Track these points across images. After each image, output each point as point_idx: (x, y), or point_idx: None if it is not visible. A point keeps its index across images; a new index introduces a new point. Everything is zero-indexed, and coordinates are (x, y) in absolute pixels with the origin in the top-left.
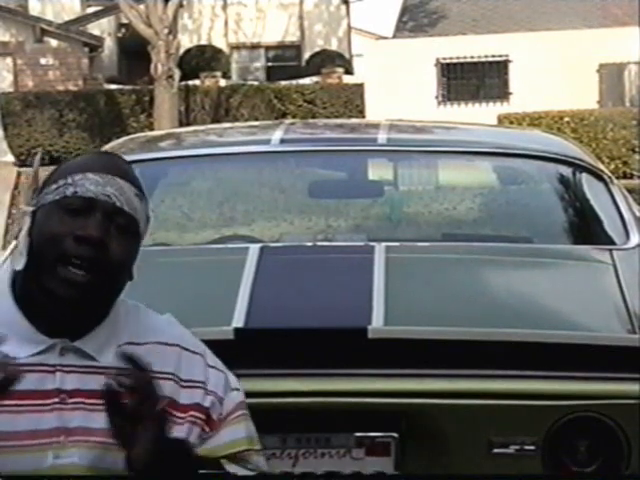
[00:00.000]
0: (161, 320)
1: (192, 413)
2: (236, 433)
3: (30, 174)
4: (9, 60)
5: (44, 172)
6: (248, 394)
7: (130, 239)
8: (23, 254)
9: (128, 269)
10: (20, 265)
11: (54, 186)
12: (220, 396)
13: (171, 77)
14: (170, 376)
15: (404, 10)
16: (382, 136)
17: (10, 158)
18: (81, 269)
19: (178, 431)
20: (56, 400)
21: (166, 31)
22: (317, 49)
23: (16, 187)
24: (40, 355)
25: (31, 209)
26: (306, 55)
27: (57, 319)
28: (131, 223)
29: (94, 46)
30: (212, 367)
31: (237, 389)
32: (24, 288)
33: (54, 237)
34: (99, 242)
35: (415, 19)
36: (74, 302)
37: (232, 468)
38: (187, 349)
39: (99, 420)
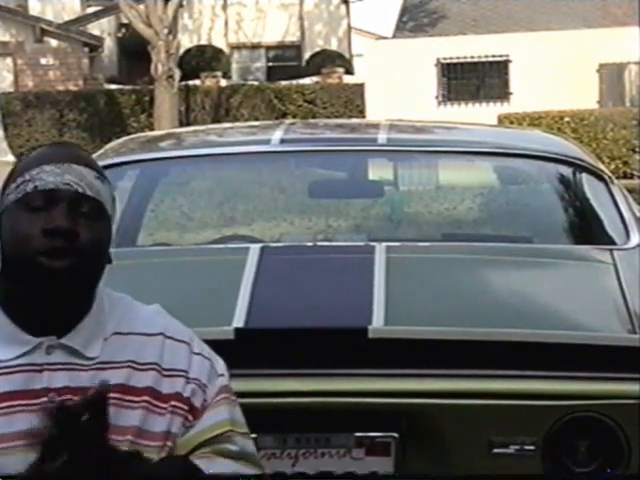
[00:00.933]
0: (147, 310)
1: (173, 403)
2: (218, 416)
3: None
4: (9, 60)
5: None
6: (248, 394)
7: (99, 223)
8: None
9: (104, 253)
10: None
11: (13, 185)
12: (203, 383)
13: (171, 77)
14: (153, 366)
15: (404, 10)
16: (382, 136)
17: (10, 158)
18: (59, 259)
19: (160, 421)
20: (45, 399)
21: (166, 31)
22: (317, 49)
23: None
24: (26, 356)
25: None
26: (306, 55)
27: (42, 316)
28: (97, 207)
29: (94, 46)
30: (197, 354)
31: (223, 374)
32: (5, 290)
33: (24, 236)
34: (68, 232)
35: (415, 19)
36: (59, 291)
37: (206, 463)
38: (171, 337)
39: None
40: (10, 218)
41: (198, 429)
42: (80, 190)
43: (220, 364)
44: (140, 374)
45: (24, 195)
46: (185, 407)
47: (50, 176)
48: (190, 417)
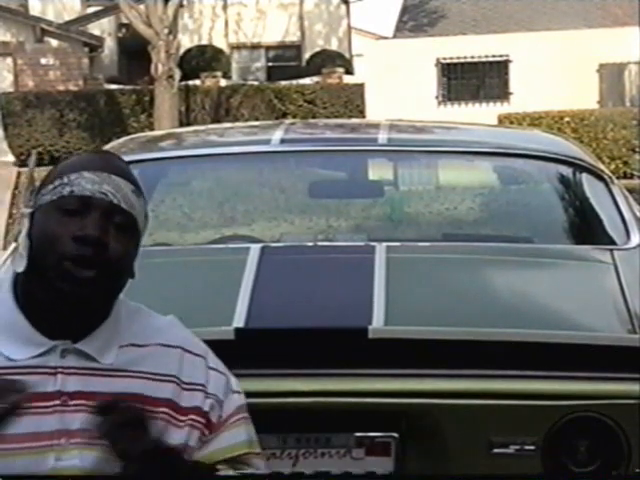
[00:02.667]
0: (163, 321)
1: (192, 417)
2: (236, 437)
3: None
4: (9, 60)
5: (42, 173)
6: (248, 394)
7: (129, 236)
8: (23, 256)
9: (129, 267)
10: (21, 267)
11: (51, 186)
12: (220, 399)
13: (171, 77)
14: (172, 378)
15: (404, 10)
16: (382, 136)
17: (10, 158)
18: (84, 267)
19: (178, 434)
20: (57, 402)
21: (166, 31)
22: (317, 49)
23: (16, 187)
24: (41, 357)
25: (29, 210)
26: (306, 55)
27: (59, 320)
28: (129, 220)
29: (94, 46)
30: (213, 369)
31: (238, 392)
32: (25, 290)
33: (53, 238)
34: (98, 241)
35: (415, 19)
36: (80, 299)
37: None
38: (189, 351)
39: None
40: (42, 217)
41: (216, 447)
42: (115, 201)
43: (233, 380)
44: (157, 385)
45: (59, 197)
46: (203, 421)
47: (88, 183)
48: (206, 431)
